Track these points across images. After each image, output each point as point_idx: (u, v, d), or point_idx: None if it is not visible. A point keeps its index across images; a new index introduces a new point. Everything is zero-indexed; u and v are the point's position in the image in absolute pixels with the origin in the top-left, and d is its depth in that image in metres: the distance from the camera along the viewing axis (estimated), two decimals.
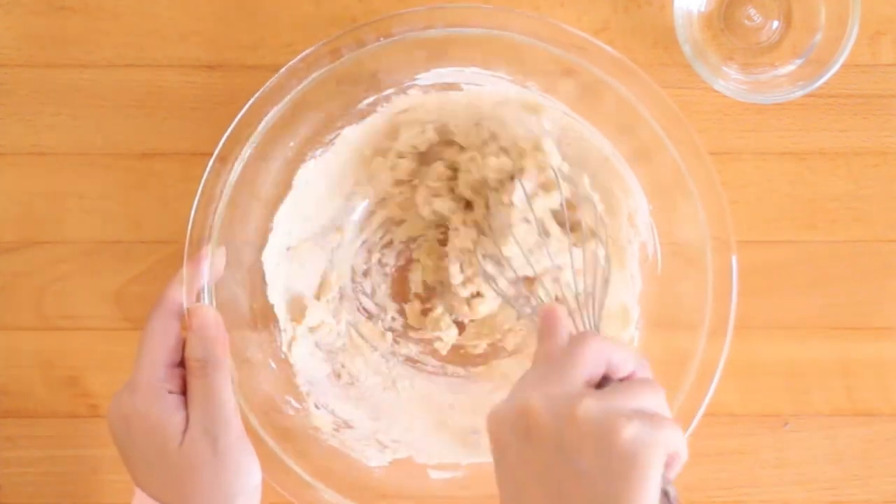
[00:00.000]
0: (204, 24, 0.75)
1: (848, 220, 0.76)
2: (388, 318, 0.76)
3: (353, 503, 0.69)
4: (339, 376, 0.75)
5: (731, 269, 0.68)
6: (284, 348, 0.73)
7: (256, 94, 0.67)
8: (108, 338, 0.75)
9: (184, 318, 0.64)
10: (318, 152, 0.72)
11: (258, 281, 0.72)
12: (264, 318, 0.73)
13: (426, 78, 0.71)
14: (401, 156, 0.74)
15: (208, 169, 0.67)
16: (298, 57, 0.67)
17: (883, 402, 0.76)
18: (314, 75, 0.67)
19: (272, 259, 0.72)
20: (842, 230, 0.76)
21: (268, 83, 0.67)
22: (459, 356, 0.76)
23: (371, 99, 0.71)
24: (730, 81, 0.72)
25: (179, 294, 0.64)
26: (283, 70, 0.67)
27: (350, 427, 0.73)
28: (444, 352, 0.75)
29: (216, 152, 0.67)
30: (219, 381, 0.61)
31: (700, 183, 0.68)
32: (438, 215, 0.74)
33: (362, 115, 0.72)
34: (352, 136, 0.72)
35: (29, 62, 0.75)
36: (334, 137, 0.72)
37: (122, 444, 0.62)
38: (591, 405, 0.50)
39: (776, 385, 0.76)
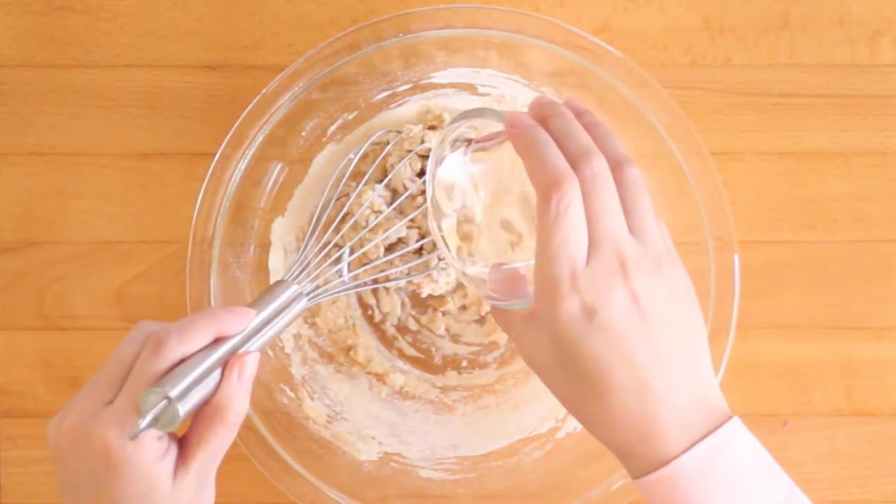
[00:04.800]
0: (204, 24, 0.76)
1: (848, 220, 0.76)
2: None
3: (344, 496, 0.69)
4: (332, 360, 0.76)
5: (734, 269, 0.68)
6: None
7: (276, 80, 0.68)
8: (108, 338, 0.75)
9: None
10: (335, 141, 0.73)
11: (261, 267, 0.73)
12: None
13: (442, 76, 0.71)
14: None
15: (221, 149, 0.67)
16: (318, 48, 0.67)
17: (883, 402, 0.76)
18: (333, 66, 0.68)
19: (277, 250, 0.73)
20: (842, 230, 0.76)
21: (285, 71, 0.67)
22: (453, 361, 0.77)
23: (386, 93, 0.72)
24: None
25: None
26: (300, 59, 0.67)
27: (345, 419, 0.74)
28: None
29: (235, 128, 0.68)
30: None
31: (702, 183, 0.68)
32: None
33: (378, 108, 0.73)
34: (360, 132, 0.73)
35: (29, 62, 0.75)
36: (348, 130, 0.73)
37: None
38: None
39: (776, 385, 0.76)
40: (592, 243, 0.53)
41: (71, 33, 0.75)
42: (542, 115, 0.56)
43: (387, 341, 0.76)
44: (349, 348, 0.75)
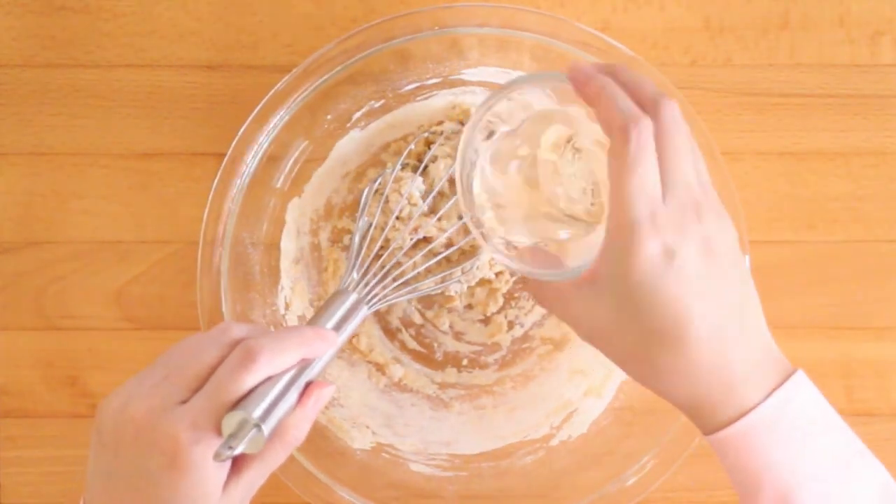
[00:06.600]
0: (204, 24, 0.76)
1: (848, 220, 0.76)
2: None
3: (334, 482, 0.69)
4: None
5: None
6: (283, 311, 0.74)
7: (306, 62, 0.68)
8: (108, 338, 0.75)
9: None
10: (359, 127, 0.74)
11: (272, 244, 0.73)
12: (272, 283, 0.73)
13: (472, 74, 0.72)
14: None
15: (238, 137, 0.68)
16: (350, 33, 0.68)
17: (883, 402, 0.76)
18: (364, 53, 0.69)
19: (290, 230, 0.74)
20: (842, 230, 0.76)
21: (316, 53, 0.68)
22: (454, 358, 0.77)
23: (415, 85, 0.72)
24: None
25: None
26: (332, 43, 0.68)
27: (341, 406, 0.74)
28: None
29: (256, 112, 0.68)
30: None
31: (713, 182, 0.68)
32: None
33: (405, 99, 0.73)
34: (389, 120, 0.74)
35: (29, 62, 0.75)
36: (374, 117, 0.73)
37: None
38: None
39: None
40: (667, 185, 0.53)
41: (71, 33, 0.75)
42: (609, 70, 0.57)
43: (390, 332, 0.76)
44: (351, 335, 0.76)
